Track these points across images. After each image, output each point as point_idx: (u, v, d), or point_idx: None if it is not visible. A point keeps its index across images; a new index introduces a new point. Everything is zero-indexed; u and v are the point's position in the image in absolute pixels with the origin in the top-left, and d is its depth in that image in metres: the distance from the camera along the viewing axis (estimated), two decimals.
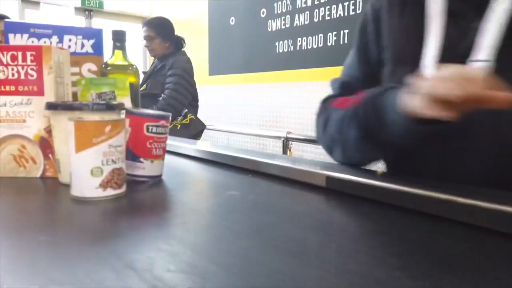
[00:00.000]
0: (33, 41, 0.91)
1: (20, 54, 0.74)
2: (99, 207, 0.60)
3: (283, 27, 3.68)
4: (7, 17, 2.71)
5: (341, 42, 3.18)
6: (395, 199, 0.59)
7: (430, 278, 0.37)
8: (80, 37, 0.94)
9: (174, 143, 1.07)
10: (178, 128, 2.54)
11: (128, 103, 0.86)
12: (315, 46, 3.39)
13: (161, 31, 2.67)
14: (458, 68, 0.55)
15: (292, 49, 3.60)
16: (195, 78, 2.74)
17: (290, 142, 2.93)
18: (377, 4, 0.83)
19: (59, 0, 4.94)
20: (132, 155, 0.74)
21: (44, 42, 0.92)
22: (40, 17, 4.75)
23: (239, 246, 0.45)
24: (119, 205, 0.61)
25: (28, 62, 0.75)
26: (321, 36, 3.33)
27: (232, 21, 4.27)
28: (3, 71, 0.74)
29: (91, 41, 0.95)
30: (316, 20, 3.38)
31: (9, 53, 0.74)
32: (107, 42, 0.97)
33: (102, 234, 0.49)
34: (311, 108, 3.42)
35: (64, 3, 4.99)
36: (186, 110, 2.61)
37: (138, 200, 0.66)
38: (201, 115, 2.81)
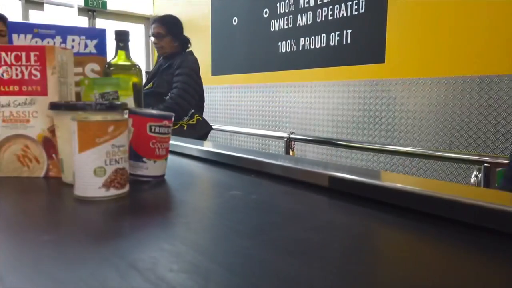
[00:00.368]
0: (37, 42, 0.92)
1: (24, 54, 0.75)
2: (102, 206, 0.60)
3: (285, 27, 3.70)
4: (6, 18, 2.71)
5: (344, 42, 3.19)
6: (398, 199, 0.59)
7: (431, 277, 0.37)
8: (83, 37, 0.94)
9: (176, 143, 1.07)
10: (185, 128, 2.51)
11: (131, 103, 0.86)
12: (317, 46, 3.41)
13: (171, 30, 2.63)
14: None
15: (294, 49, 3.62)
16: None
17: (293, 142, 2.93)
18: None
19: (63, 0, 4.95)
20: (135, 155, 0.74)
21: (48, 42, 0.92)
22: (43, 17, 4.76)
23: (242, 246, 0.45)
24: (122, 205, 0.62)
25: (32, 62, 0.75)
26: (323, 36, 3.35)
27: (234, 21, 4.28)
28: (7, 71, 0.75)
29: (94, 41, 0.95)
30: (319, 20, 3.39)
31: (13, 54, 0.75)
32: (111, 42, 0.98)
33: (105, 234, 0.50)
34: (314, 108, 3.46)
35: (67, 3, 5.00)
36: (193, 111, 2.58)
37: (141, 200, 0.66)
38: (204, 115, 2.80)
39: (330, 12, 3.29)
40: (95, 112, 0.66)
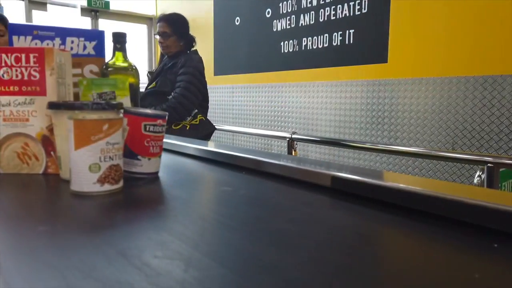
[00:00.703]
0: (37, 43, 0.95)
1: (23, 56, 0.78)
2: (96, 201, 0.63)
3: (288, 27, 3.70)
4: (5, 18, 2.74)
5: (347, 42, 3.19)
6: (401, 199, 0.60)
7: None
8: (82, 39, 0.98)
9: (173, 142, 1.11)
10: (187, 128, 2.47)
11: (127, 103, 0.89)
12: (320, 46, 3.41)
13: (177, 29, 2.59)
14: None
15: (297, 49, 3.62)
16: None
17: (295, 142, 2.94)
18: None
19: (66, 0, 4.98)
20: (130, 152, 0.77)
21: (47, 44, 0.96)
22: (47, 18, 4.80)
23: (224, 236, 0.48)
24: (115, 199, 0.65)
25: (31, 64, 0.78)
26: (326, 36, 3.35)
27: (237, 21, 4.29)
28: (8, 72, 0.78)
29: (93, 43, 0.98)
30: (321, 20, 3.39)
31: (13, 55, 0.78)
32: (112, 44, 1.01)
33: (97, 225, 0.53)
34: (316, 108, 3.47)
35: (70, 3, 5.04)
36: (196, 111, 2.54)
37: (134, 195, 0.69)
38: (207, 115, 2.76)
39: (332, 12, 3.29)
40: (92, 112, 0.69)
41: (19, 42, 0.95)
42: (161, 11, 5.48)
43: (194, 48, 2.71)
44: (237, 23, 4.29)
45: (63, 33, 0.96)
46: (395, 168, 2.91)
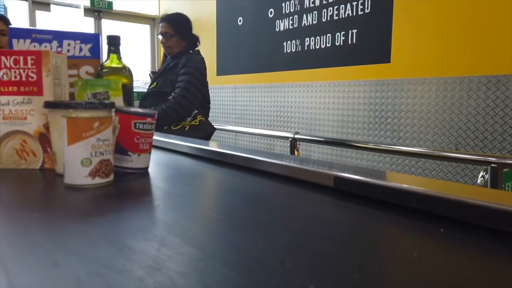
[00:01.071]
0: (35, 46, 1.00)
1: (21, 58, 0.83)
2: (87, 193, 0.68)
3: (291, 27, 3.70)
4: (6, 18, 2.79)
5: (349, 42, 3.19)
6: (404, 199, 0.60)
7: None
8: (78, 41, 1.03)
9: (165, 140, 1.16)
10: (186, 129, 2.45)
11: (120, 102, 0.94)
12: (323, 46, 3.41)
13: (180, 29, 2.59)
14: None
15: (300, 49, 3.62)
16: None
17: (298, 142, 2.92)
18: None
19: (69, 0, 5.05)
20: (121, 149, 0.82)
21: (45, 46, 1.01)
22: (50, 18, 4.86)
23: (198, 222, 0.53)
24: (105, 191, 0.70)
25: (29, 66, 0.84)
26: (329, 36, 3.35)
27: (240, 21, 4.30)
28: (7, 73, 0.83)
29: (89, 45, 1.04)
30: (324, 20, 3.39)
31: (12, 57, 0.83)
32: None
33: (85, 213, 0.58)
34: (319, 108, 3.48)
35: (73, 4, 5.10)
36: (196, 111, 2.52)
37: (123, 188, 0.74)
38: (209, 115, 2.74)
39: (335, 12, 3.29)
40: (84, 110, 0.74)
41: (19, 44, 1.00)
42: (163, 11, 5.53)
43: (197, 48, 2.69)
44: (239, 23, 4.31)
45: (60, 36, 1.02)
46: (398, 169, 2.90)
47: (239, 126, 4.32)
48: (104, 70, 1.02)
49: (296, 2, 3.64)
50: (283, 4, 3.76)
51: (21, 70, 0.83)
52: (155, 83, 2.59)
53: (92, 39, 1.04)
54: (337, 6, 3.28)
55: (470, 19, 2.49)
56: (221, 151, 0.97)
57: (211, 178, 0.86)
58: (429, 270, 0.40)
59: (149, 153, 0.86)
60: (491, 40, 2.40)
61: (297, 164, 0.79)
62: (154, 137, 0.95)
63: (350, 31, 3.19)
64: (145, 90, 2.70)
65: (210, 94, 2.72)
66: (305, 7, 3.57)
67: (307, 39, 3.55)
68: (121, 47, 1.04)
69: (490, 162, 1.86)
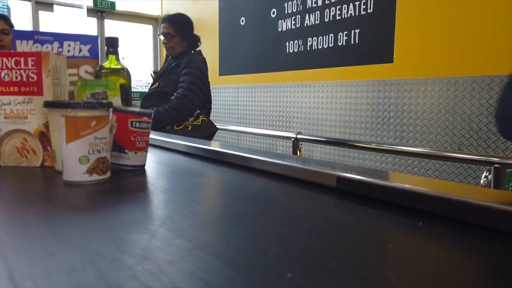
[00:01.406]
0: (37, 47, 1.03)
1: (22, 59, 0.86)
2: (85, 189, 0.71)
3: (293, 27, 3.70)
4: (8, 18, 2.82)
5: (352, 42, 3.18)
6: (406, 200, 0.60)
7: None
8: (78, 42, 1.06)
9: (163, 138, 1.18)
10: (189, 129, 2.45)
11: (118, 102, 0.97)
12: (325, 46, 3.40)
13: (181, 30, 2.60)
14: None
15: (302, 49, 3.62)
16: None
17: (300, 142, 2.92)
18: None
19: (72, 1, 5.08)
20: (118, 147, 0.85)
21: (47, 47, 1.04)
22: (53, 18, 4.90)
23: (189, 217, 0.56)
24: (102, 188, 0.73)
25: (30, 66, 0.86)
26: (331, 36, 3.35)
27: (242, 21, 4.30)
28: (8, 74, 0.86)
29: (88, 46, 1.07)
30: (326, 20, 3.39)
31: (13, 59, 0.86)
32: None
33: (82, 208, 0.60)
34: (321, 108, 3.47)
35: (76, 4, 5.14)
36: (198, 111, 2.52)
37: (119, 184, 0.77)
38: (211, 115, 2.75)
39: (338, 12, 3.28)
40: (82, 110, 0.77)
41: (22, 45, 1.03)
42: (166, 12, 5.54)
43: (198, 48, 2.70)
44: (242, 23, 4.31)
45: (61, 37, 1.05)
46: (401, 169, 2.90)
47: (241, 126, 4.31)
48: (103, 71, 1.05)
49: (299, 2, 3.63)
50: (286, 4, 3.76)
51: (22, 71, 0.86)
52: (156, 83, 2.61)
53: (91, 41, 1.07)
54: (339, 6, 3.27)
55: (473, 19, 2.48)
56: (220, 150, 1.00)
57: (207, 176, 0.89)
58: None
59: (146, 151, 0.89)
60: (494, 40, 2.39)
61: (299, 164, 0.80)
62: (154, 137, 0.97)
63: (352, 31, 3.18)
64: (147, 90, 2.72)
65: (212, 94, 2.73)
66: (307, 7, 3.56)
67: (310, 39, 3.55)
68: (119, 49, 1.07)
69: (493, 163, 1.85)
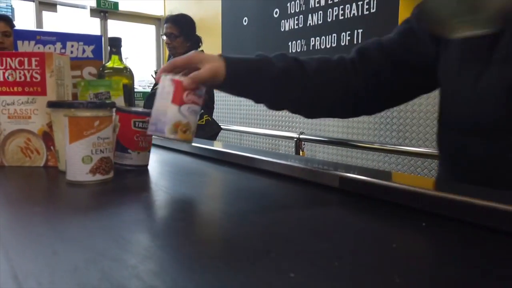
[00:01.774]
0: (39, 47, 1.03)
1: (26, 59, 0.86)
2: (88, 189, 0.71)
3: (296, 27, 3.69)
4: (10, 19, 2.82)
5: (355, 42, 3.15)
6: (410, 200, 0.60)
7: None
8: (81, 43, 1.06)
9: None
10: None
11: (121, 102, 0.97)
12: (328, 46, 3.39)
13: (184, 30, 2.62)
14: None
15: (305, 49, 3.60)
16: None
17: (303, 142, 2.93)
18: None
19: (75, 1, 5.09)
20: (121, 147, 0.85)
21: (49, 48, 1.04)
22: (56, 19, 4.91)
23: (191, 216, 0.56)
24: (105, 188, 0.73)
25: (33, 67, 0.87)
26: (334, 36, 3.33)
27: (245, 21, 4.29)
28: (12, 74, 0.86)
29: (91, 47, 1.07)
30: (329, 20, 3.38)
31: (17, 59, 0.86)
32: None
33: (85, 207, 0.61)
34: None
35: (80, 4, 5.15)
36: (202, 111, 2.48)
37: (122, 184, 0.77)
38: (213, 115, 2.77)
39: (341, 12, 3.27)
40: (86, 110, 0.77)
41: (23, 46, 1.03)
42: (169, 12, 5.53)
43: (200, 49, 2.70)
44: (244, 23, 4.30)
45: (64, 37, 1.05)
46: (404, 169, 2.88)
47: (244, 126, 4.31)
48: (105, 71, 1.05)
49: (302, 2, 3.62)
50: (288, 4, 3.74)
51: (26, 71, 0.86)
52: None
53: (95, 41, 1.07)
54: (342, 6, 3.26)
55: None
56: (222, 150, 1.00)
57: (210, 176, 0.89)
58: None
59: (149, 151, 0.89)
60: None
61: (302, 164, 0.79)
62: (156, 136, 0.97)
63: (355, 31, 3.17)
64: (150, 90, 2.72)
65: (214, 94, 2.74)
66: (310, 7, 3.55)
67: (313, 39, 3.53)
68: (122, 49, 1.07)
69: None
